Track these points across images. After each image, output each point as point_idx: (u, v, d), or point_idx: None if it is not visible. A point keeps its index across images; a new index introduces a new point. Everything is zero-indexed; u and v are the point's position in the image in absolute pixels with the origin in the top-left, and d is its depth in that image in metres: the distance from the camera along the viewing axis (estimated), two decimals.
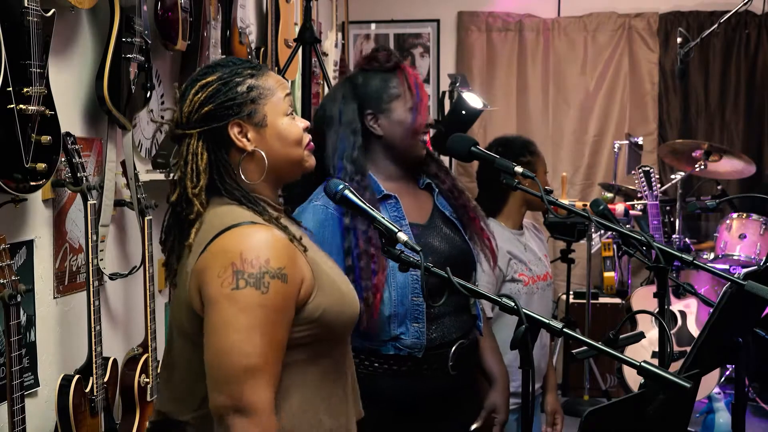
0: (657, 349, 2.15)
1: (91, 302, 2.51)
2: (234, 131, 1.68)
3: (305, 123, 1.79)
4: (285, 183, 1.85)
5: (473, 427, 2.35)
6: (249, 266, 1.57)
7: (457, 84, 5.04)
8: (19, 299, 2.11)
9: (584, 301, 5.20)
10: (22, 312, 2.24)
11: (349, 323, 1.77)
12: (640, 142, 5.68)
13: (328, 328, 1.70)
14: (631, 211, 5.07)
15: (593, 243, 5.40)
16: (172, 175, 1.74)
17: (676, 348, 4.50)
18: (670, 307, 4.74)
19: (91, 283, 2.51)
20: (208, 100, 1.67)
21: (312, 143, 1.80)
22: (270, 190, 1.77)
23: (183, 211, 1.70)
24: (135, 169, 2.86)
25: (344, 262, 2.11)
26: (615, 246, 5.53)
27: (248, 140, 1.69)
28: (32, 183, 2.22)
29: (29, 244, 2.46)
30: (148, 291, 2.84)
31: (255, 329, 1.56)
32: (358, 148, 2.20)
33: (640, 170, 4.97)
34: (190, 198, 1.69)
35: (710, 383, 4.61)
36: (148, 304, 2.84)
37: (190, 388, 1.69)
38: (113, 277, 2.82)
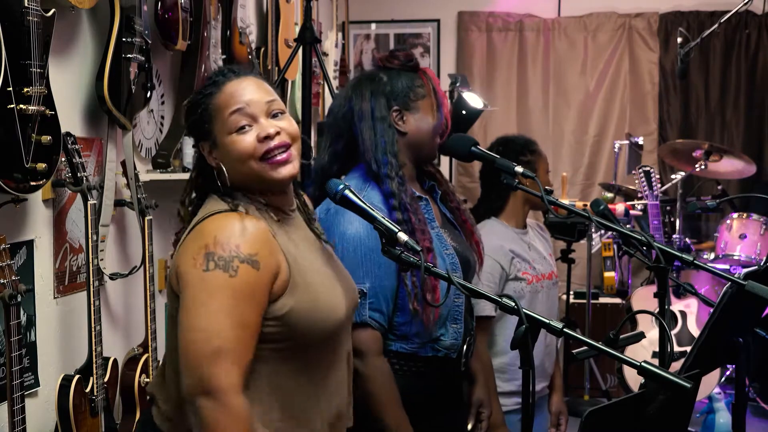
0: (657, 349, 2.15)
1: (92, 302, 2.51)
2: (205, 151, 1.80)
3: (265, 131, 1.75)
4: (276, 191, 1.82)
5: (469, 426, 2.36)
6: (220, 249, 1.64)
7: (458, 84, 5.04)
8: (19, 299, 2.11)
9: (584, 301, 5.20)
10: (22, 312, 2.24)
11: (325, 330, 1.76)
12: (641, 142, 5.68)
13: (295, 330, 1.71)
14: (632, 211, 5.07)
15: (593, 243, 5.40)
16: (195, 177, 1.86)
17: (676, 348, 4.50)
18: (671, 307, 4.74)
19: (91, 283, 2.51)
20: (186, 121, 1.83)
21: (279, 155, 1.76)
22: (270, 197, 1.80)
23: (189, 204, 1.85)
24: (135, 169, 2.86)
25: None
26: (615, 246, 5.53)
27: (213, 158, 1.78)
28: (32, 183, 2.22)
29: (29, 244, 2.46)
30: (148, 291, 2.84)
31: (221, 312, 1.62)
32: (396, 143, 2.20)
33: (641, 170, 4.97)
34: (183, 202, 1.83)
35: (710, 383, 4.61)
36: (149, 304, 2.84)
37: (170, 377, 1.76)
38: (113, 277, 2.82)
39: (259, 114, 1.76)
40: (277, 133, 1.75)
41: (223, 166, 1.75)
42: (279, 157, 1.75)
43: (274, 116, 1.78)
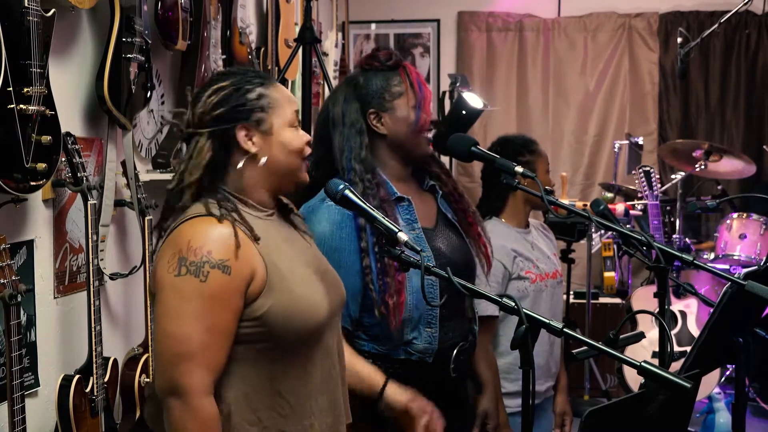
0: (657, 349, 2.15)
1: (92, 302, 2.51)
2: (241, 134, 1.77)
3: (308, 137, 1.86)
4: (279, 194, 1.89)
5: None
6: (192, 255, 1.68)
7: (457, 84, 5.05)
8: (19, 299, 2.11)
9: (584, 301, 5.20)
10: (22, 312, 2.24)
11: (303, 330, 1.77)
12: (640, 142, 5.68)
13: (273, 330, 1.74)
14: (632, 211, 5.07)
15: (593, 243, 5.40)
16: (174, 170, 1.83)
17: (676, 348, 4.50)
18: (671, 307, 4.74)
19: (91, 283, 2.51)
20: (220, 103, 1.77)
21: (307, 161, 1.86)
22: (263, 195, 1.82)
23: (174, 201, 1.79)
24: (135, 169, 2.86)
25: (360, 262, 2.10)
26: (615, 246, 5.52)
27: (253, 144, 1.78)
28: (32, 183, 2.22)
29: (29, 244, 2.46)
30: (148, 291, 2.84)
31: (190, 316, 1.67)
32: (365, 148, 2.19)
33: (641, 170, 4.97)
34: (183, 188, 1.78)
35: (710, 383, 4.61)
36: (149, 304, 2.84)
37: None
38: (113, 277, 2.82)
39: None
40: None
41: (264, 157, 1.77)
42: (308, 162, 1.87)
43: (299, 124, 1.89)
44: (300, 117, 1.88)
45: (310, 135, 1.94)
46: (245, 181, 1.79)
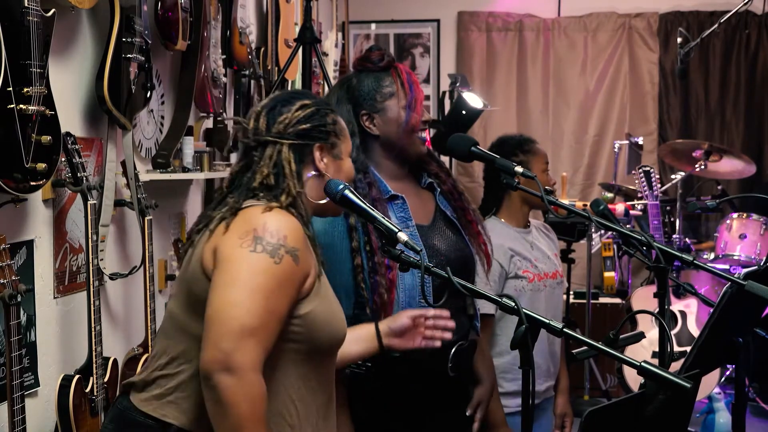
0: (657, 349, 2.15)
1: (92, 302, 2.51)
2: (317, 153, 1.86)
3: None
4: (318, 215, 1.93)
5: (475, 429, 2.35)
6: (269, 236, 1.69)
7: (457, 84, 5.05)
8: (19, 299, 2.11)
9: (584, 301, 5.20)
10: (22, 312, 2.24)
11: (334, 338, 1.82)
12: (640, 142, 5.68)
13: (311, 332, 1.76)
14: (632, 211, 5.07)
15: (593, 243, 5.40)
16: (258, 174, 1.82)
17: (676, 348, 4.50)
18: (670, 307, 4.74)
19: (91, 283, 2.51)
20: (306, 119, 1.85)
21: None
22: (309, 212, 1.86)
23: (266, 198, 1.79)
24: (135, 169, 2.86)
25: (352, 261, 2.11)
26: (615, 246, 5.52)
27: (324, 164, 1.87)
28: (32, 183, 2.22)
29: (29, 244, 2.46)
30: (148, 291, 2.84)
31: (260, 292, 1.66)
32: (357, 148, 2.20)
33: (640, 170, 4.97)
34: (291, 194, 1.80)
35: (710, 383, 4.61)
36: (148, 304, 2.84)
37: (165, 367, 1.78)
38: (113, 277, 2.82)
39: None
40: None
41: (327, 172, 1.86)
42: None
43: None
44: None
45: None
46: (303, 196, 1.83)
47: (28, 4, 2.12)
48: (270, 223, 1.71)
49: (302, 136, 1.84)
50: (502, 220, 2.83)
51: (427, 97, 6.78)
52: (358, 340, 2.03)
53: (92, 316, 2.51)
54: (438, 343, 2.03)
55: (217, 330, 1.64)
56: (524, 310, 1.55)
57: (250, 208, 1.76)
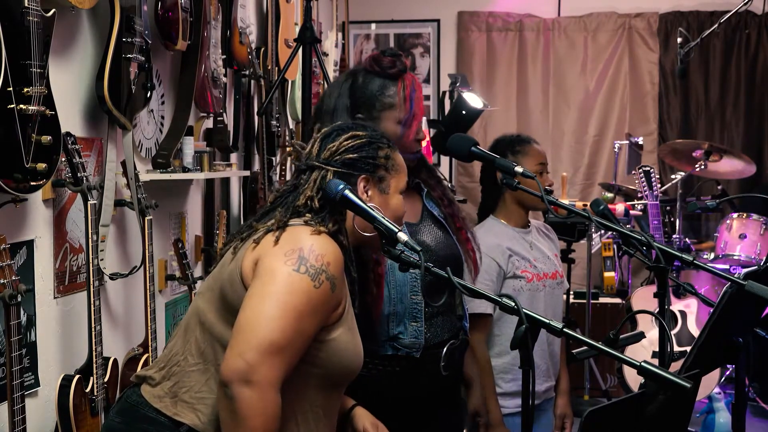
0: (657, 349, 2.15)
1: (92, 302, 2.51)
2: (361, 184, 1.88)
3: (404, 210, 1.99)
4: (357, 249, 1.93)
5: None
6: (314, 259, 1.71)
7: (457, 84, 5.05)
8: (19, 299, 2.11)
9: (584, 301, 5.20)
10: (22, 312, 2.24)
11: (350, 369, 1.83)
12: (640, 142, 5.68)
13: (330, 358, 1.77)
14: (632, 211, 5.07)
15: (593, 243, 5.40)
16: (302, 195, 1.85)
17: (676, 348, 4.50)
18: (670, 307, 4.74)
19: (91, 283, 2.51)
20: (355, 149, 1.89)
21: None
22: (348, 242, 1.86)
23: (313, 220, 1.81)
24: (135, 169, 2.86)
25: None
26: (615, 246, 5.52)
27: (368, 197, 1.89)
28: (32, 183, 2.22)
29: (29, 244, 2.46)
30: (148, 291, 2.84)
31: (294, 312, 1.67)
32: None
33: (640, 170, 4.97)
34: (336, 221, 1.82)
35: (710, 383, 4.61)
36: (149, 304, 2.84)
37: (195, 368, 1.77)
38: (113, 277, 2.82)
39: None
40: None
41: (373, 203, 1.86)
42: None
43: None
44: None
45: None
46: (345, 224, 1.85)
47: (28, 4, 2.12)
48: (316, 246, 1.73)
49: (348, 165, 1.87)
50: (501, 220, 2.83)
51: (427, 97, 6.79)
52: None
53: (92, 316, 2.51)
54: None
55: (246, 340, 1.64)
56: (524, 310, 1.55)
57: (300, 227, 1.77)
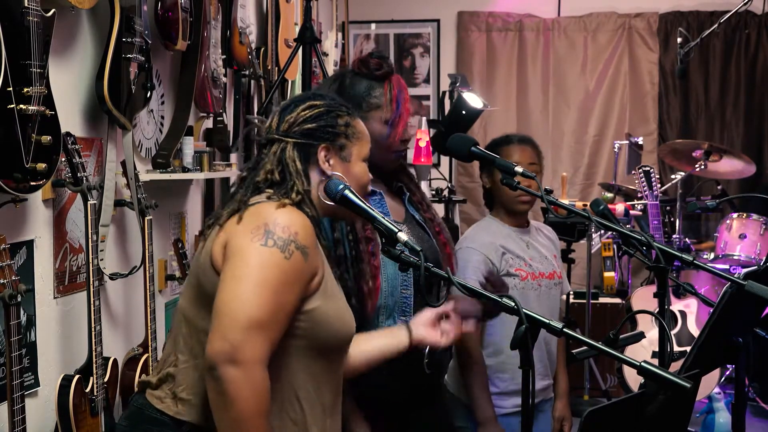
0: (657, 349, 2.15)
1: (92, 302, 2.51)
2: (321, 154, 1.85)
3: (370, 176, 1.95)
4: (330, 217, 1.94)
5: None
6: (280, 231, 1.70)
7: (457, 84, 5.04)
8: (19, 299, 2.11)
9: (584, 301, 5.20)
10: (22, 312, 2.24)
11: (340, 336, 1.82)
12: (640, 142, 5.68)
13: (316, 328, 1.76)
14: (631, 211, 5.06)
15: (593, 243, 5.40)
16: (262, 170, 1.84)
17: (676, 348, 4.50)
18: (670, 307, 4.74)
19: (91, 283, 2.51)
20: (312, 119, 1.86)
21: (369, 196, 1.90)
22: (319, 213, 1.86)
23: (276, 195, 1.80)
24: (135, 169, 2.86)
25: (335, 251, 2.11)
26: (615, 246, 5.52)
27: (329, 166, 1.86)
28: (32, 183, 2.22)
29: (29, 244, 2.46)
30: (148, 291, 2.84)
31: (270, 286, 1.66)
32: None
33: (640, 170, 4.97)
34: (299, 192, 1.81)
35: (710, 383, 4.61)
36: (148, 304, 2.84)
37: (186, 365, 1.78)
38: (113, 277, 2.82)
39: None
40: None
41: (335, 172, 1.84)
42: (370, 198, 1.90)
43: None
44: None
45: None
46: (310, 194, 1.84)
47: (28, 4, 2.12)
48: (281, 218, 1.72)
49: (306, 135, 1.84)
50: (498, 218, 2.83)
51: (427, 97, 6.79)
52: (383, 334, 2.04)
53: (92, 316, 2.51)
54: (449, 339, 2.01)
55: (225, 322, 1.63)
56: (524, 310, 1.55)
57: (263, 203, 1.76)
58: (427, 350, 2.21)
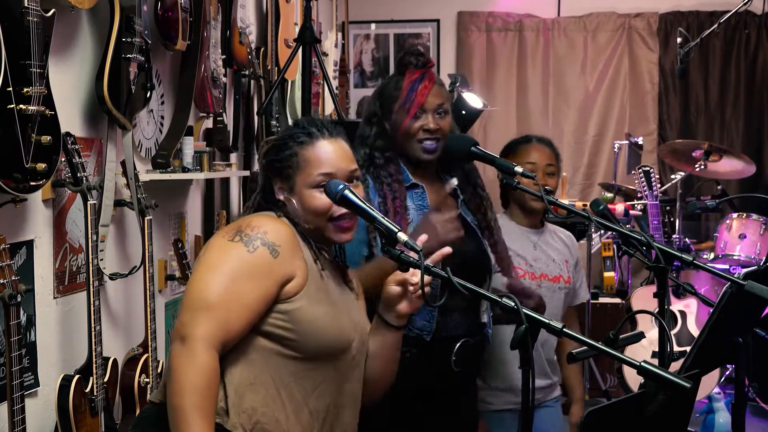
0: (657, 349, 2.15)
1: (91, 302, 2.51)
2: (276, 185, 1.94)
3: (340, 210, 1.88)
4: (324, 244, 1.95)
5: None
6: (249, 230, 1.82)
7: (457, 84, 5.04)
8: (19, 299, 2.11)
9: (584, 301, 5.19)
10: (22, 312, 2.24)
11: (324, 342, 1.84)
12: (640, 142, 5.68)
13: (296, 328, 1.80)
14: (631, 211, 5.06)
15: (593, 243, 5.40)
16: (255, 193, 2.01)
17: (676, 348, 4.49)
18: (670, 307, 4.73)
19: (91, 283, 2.51)
20: (265, 154, 1.97)
21: (346, 222, 1.87)
22: (315, 237, 1.91)
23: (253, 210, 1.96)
24: (135, 169, 2.86)
25: (366, 233, 2.20)
26: (615, 246, 5.52)
27: (284, 196, 1.92)
28: (32, 183, 2.22)
29: (29, 244, 2.46)
30: (148, 291, 2.84)
31: (226, 274, 1.77)
32: (374, 135, 2.33)
33: (640, 170, 4.97)
34: (281, 212, 1.92)
35: (710, 383, 4.60)
36: (148, 304, 2.84)
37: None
38: (113, 277, 2.82)
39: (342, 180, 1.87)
40: None
41: (292, 200, 1.90)
42: (345, 224, 1.90)
43: (350, 182, 1.89)
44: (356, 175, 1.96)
45: None
46: (292, 217, 1.91)
47: (28, 4, 2.12)
48: (255, 221, 1.84)
49: (265, 169, 1.97)
50: (510, 217, 2.85)
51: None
52: (373, 339, 2.01)
53: (92, 316, 2.51)
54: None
55: (182, 304, 1.76)
56: (524, 310, 1.55)
57: (251, 215, 1.91)
58: (456, 348, 2.23)
